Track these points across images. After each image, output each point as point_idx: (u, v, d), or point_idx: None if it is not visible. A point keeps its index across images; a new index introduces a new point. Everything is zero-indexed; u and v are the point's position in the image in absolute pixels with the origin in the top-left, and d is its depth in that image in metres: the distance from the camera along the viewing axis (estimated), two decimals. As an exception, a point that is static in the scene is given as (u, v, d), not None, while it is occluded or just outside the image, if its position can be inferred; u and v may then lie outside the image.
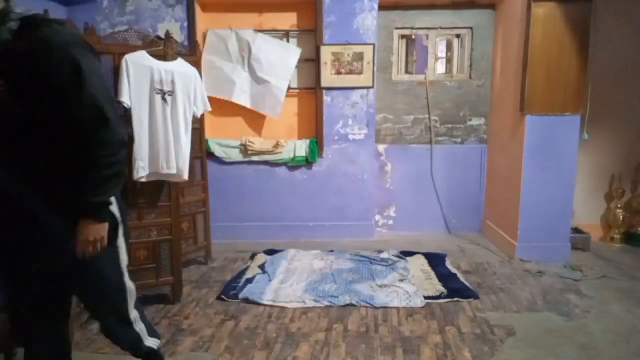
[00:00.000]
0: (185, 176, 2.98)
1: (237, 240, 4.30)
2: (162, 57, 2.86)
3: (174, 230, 3.02)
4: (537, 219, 3.79)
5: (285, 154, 4.32)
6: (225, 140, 4.34)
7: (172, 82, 2.83)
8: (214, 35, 4.24)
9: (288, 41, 4.42)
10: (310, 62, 4.37)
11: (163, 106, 2.80)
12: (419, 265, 3.69)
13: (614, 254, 4.02)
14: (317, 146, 4.31)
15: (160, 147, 2.80)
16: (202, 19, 4.30)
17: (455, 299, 3.06)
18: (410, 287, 3.19)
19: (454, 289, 3.18)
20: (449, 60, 4.71)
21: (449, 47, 4.69)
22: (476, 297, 3.10)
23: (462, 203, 4.66)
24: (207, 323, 2.80)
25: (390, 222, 4.67)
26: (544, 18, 3.55)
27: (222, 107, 4.30)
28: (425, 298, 3.07)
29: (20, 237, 1.56)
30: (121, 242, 1.71)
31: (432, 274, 3.48)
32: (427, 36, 4.58)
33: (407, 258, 3.82)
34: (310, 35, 4.35)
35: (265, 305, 3.01)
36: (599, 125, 4.08)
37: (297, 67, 4.32)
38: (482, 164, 4.65)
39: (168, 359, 2.43)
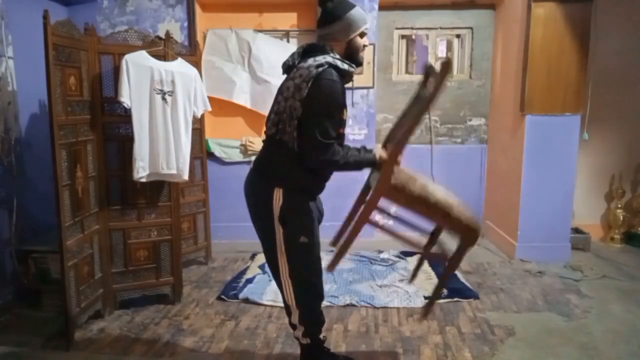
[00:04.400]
0: (185, 176, 2.98)
1: (237, 240, 4.29)
2: (162, 57, 2.86)
3: (174, 230, 3.02)
4: (537, 219, 3.79)
5: (285, 154, 4.31)
6: (225, 140, 4.33)
7: (172, 82, 2.83)
8: (214, 35, 4.24)
9: (288, 41, 4.42)
10: (310, 62, 4.36)
11: (163, 106, 2.80)
12: (419, 265, 3.68)
13: (614, 254, 4.02)
14: (317, 146, 4.31)
15: (160, 147, 2.80)
16: (202, 19, 4.29)
17: (455, 299, 3.06)
18: (410, 287, 3.19)
19: (454, 289, 3.18)
20: (449, 60, 4.70)
21: (449, 47, 4.69)
22: (476, 297, 3.10)
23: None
24: (207, 323, 2.80)
25: (391, 222, 4.66)
26: (544, 18, 3.55)
27: (222, 107, 4.30)
28: (425, 298, 3.06)
29: None
30: None
31: (432, 274, 3.48)
32: (427, 36, 4.58)
33: (407, 258, 3.82)
34: (310, 35, 4.34)
35: (265, 305, 3.01)
36: (599, 125, 4.08)
37: (297, 67, 4.32)
38: (482, 164, 4.64)
39: (168, 359, 2.43)
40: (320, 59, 1.86)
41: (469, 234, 2.02)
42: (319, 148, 1.83)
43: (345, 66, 1.90)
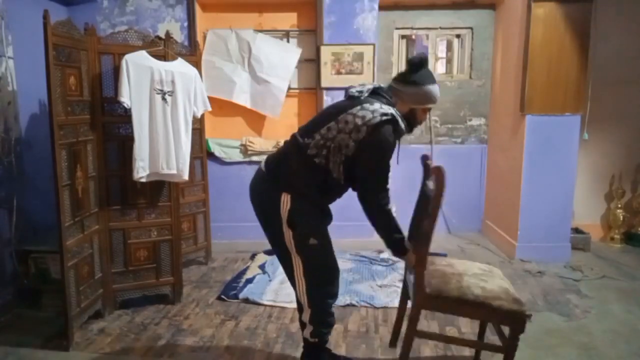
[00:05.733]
0: (185, 176, 2.98)
1: (237, 240, 4.29)
2: (162, 57, 2.86)
3: (174, 230, 3.02)
4: (537, 219, 3.79)
5: (285, 154, 4.31)
6: (225, 140, 4.33)
7: (172, 82, 2.83)
8: (214, 35, 4.24)
9: (288, 41, 4.42)
10: (310, 62, 4.37)
11: (163, 106, 2.80)
12: (419, 265, 3.68)
13: (614, 254, 4.02)
14: (317, 146, 4.31)
15: (160, 147, 2.80)
16: (202, 19, 4.29)
17: (455, 299, 3.06)
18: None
19: (454, 289, 3.18)
20: (449, 60, 4.71)
21: (449, 47, 4.69)
22: (476, 297, 3.09)
23: (462, 203, 4.66)
24: (207, 323, 2.80)
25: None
26: (544, 18, 3.55)
27: (222, 107, 4.30)
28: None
29: None
30: None
31: (432, 274, 3.48)
32: (427, 36, 4.58)
33: (407, 258, 3.81)
34: (310, 35, 4.35)
35: (265, 305, 3.01)
36: (599, 125, 4.08)
37: (297, 67, 4.32)
38: (482, 164, 4.64)
39: (168, 359, 2.43)
40: (387, 108, 1.90)
41: (516, 322, 1.98)
42: (380, 192, 1.97)
43: (403, 126, 1.94)
